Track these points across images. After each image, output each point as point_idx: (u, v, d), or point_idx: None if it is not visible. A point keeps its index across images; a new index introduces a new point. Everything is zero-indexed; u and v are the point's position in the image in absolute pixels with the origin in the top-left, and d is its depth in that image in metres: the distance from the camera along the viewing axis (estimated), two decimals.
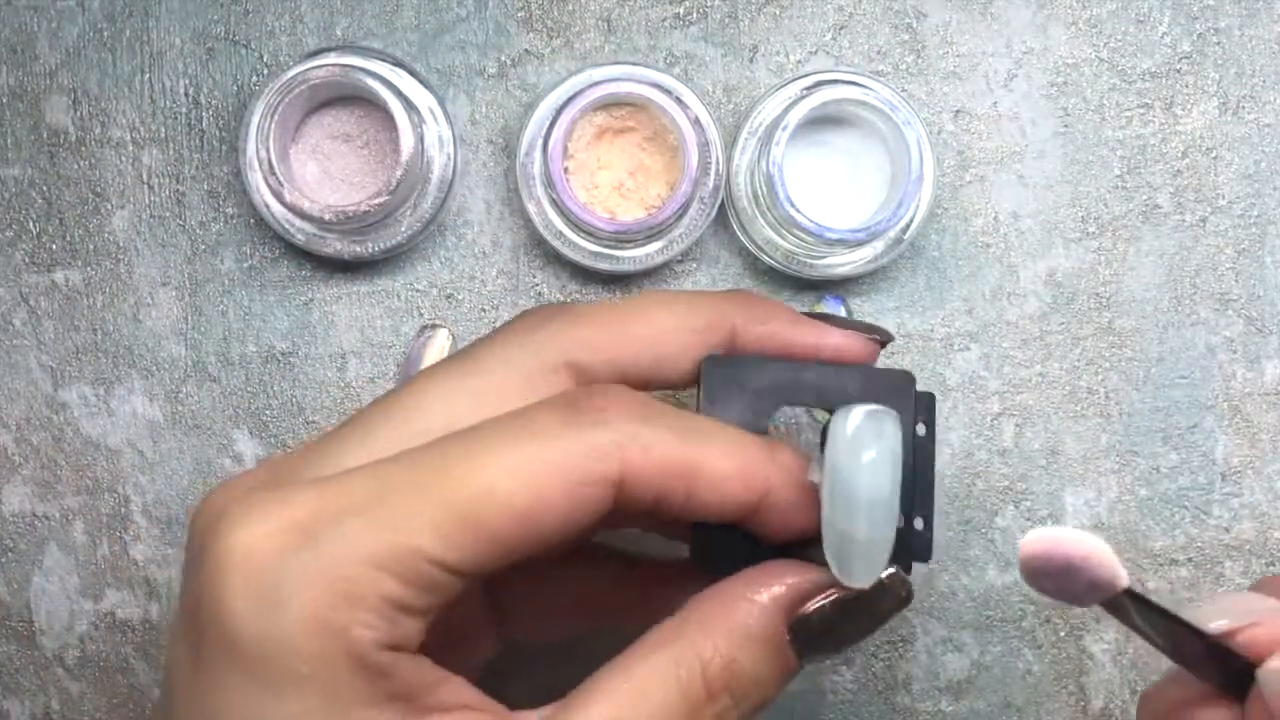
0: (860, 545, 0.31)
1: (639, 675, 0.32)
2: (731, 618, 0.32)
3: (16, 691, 0.47)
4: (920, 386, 0.36)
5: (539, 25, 0.46)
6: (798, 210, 0.43)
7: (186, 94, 0.46)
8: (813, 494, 0.33)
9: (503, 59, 0.46)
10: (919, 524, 0.35)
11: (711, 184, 0.45)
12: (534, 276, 0.47)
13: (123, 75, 0.46)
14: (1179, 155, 0.47)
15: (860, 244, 0.44)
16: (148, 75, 0.46)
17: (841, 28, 0.47)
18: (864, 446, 0.31)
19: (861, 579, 0.32)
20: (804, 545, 0.34)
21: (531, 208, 0.45)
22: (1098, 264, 0.47)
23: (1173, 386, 0.47)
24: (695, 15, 0.46)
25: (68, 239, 0.46)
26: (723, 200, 0.45)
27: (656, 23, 0.46)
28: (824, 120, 0.45)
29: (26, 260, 0.46)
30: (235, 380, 0.47)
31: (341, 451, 0.33)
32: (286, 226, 0.45)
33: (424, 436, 0.32)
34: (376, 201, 0.43)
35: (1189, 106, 0.47)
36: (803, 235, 0.43)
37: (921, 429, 0.36)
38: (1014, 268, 0.47)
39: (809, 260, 0.45)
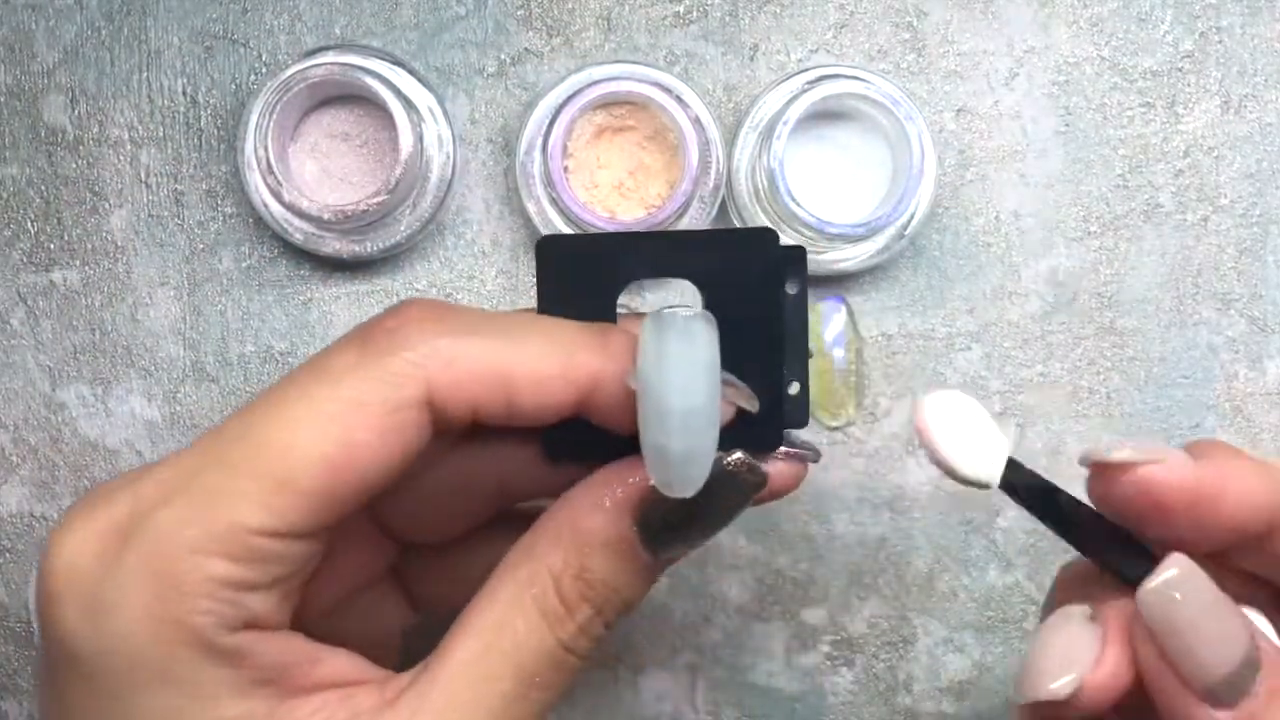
0: (675, 456, 0.29)
1: (499, 604, 0.31)
2: (578, 527, 0.31)
3: (14, 692, 0.47)
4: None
5: (538, 24, 0.46)
6: (799, 205, 0.43)
7: (185, 93, 0.46)
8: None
9: (502, 57, 0.46)
10: (794, 388, 0.33)
11: (712, 183, 0.44)
12: (533, 276, 0.46)
13: (121, 74, 0.46)
14: (1181, 154, 0.47)
15: (861, 239, 0.44)
16: (146, 74, 0.46)
17: (842, 26, 0.46)
18: (671, 357, 0.29)
19: (681, 489, 0.30)
20: None
21: (531, 207, 0.45)
22: (1099, 263, 0.46)
23: (1174, 386, 0.47)
24: (695, 14, 0.46)
25: (66, 238, 0.46)
26: (723, 199, 0.45)
27: (656, 21, 0.46)
28: (825, 115, 0.45)
29: (24, 260, 0.46)
30: (234, 380, 0.46)
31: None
32: (285, 226, 0.45)
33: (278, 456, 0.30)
34: (375, 201, 0.43)
35: (1191, 105, 0.47)
36: (804, 230, 0.43)
37: (794, 287, 0.33)
38: (1015, 267, 0.46)
39: (810, 255, 0.45)
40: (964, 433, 0.32)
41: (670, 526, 0.31)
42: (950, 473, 0.32)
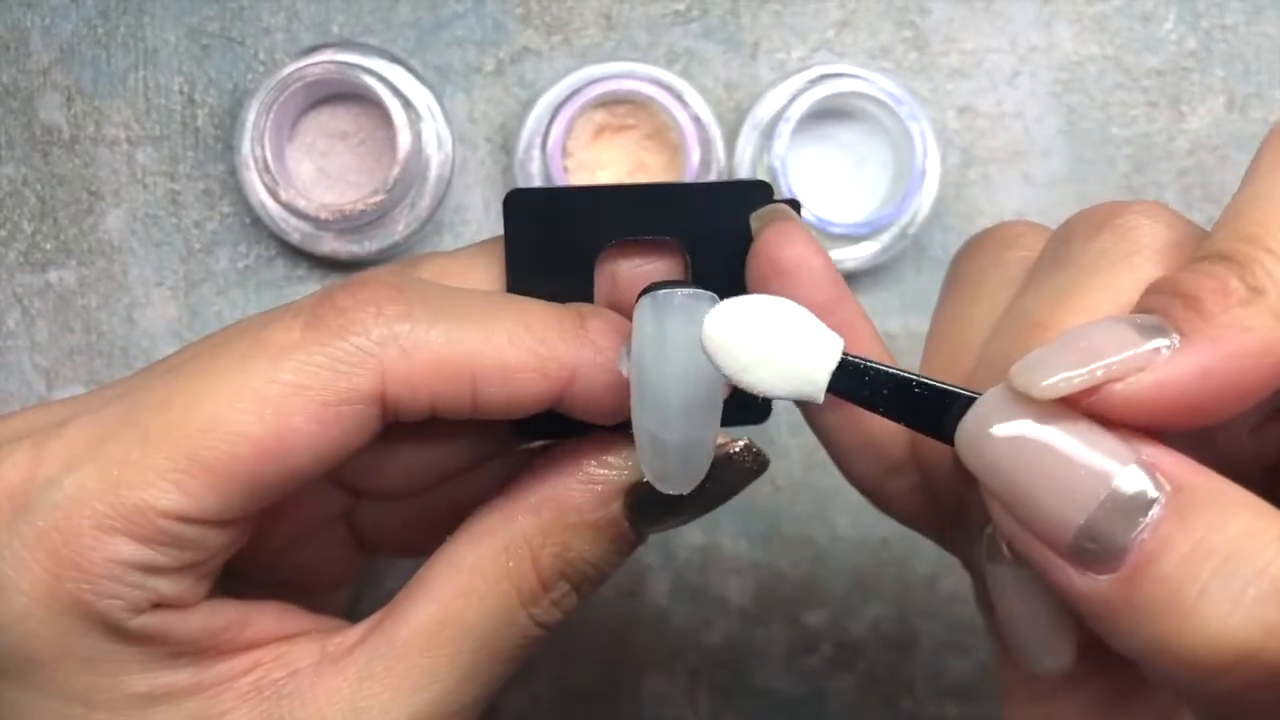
0: (673, 451, 0.27)
1: (468, 569, 0.28)
2: (563, 501, 0.29)
3: None
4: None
5: (538, 21, 0.46)
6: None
7: (181, 91, 0.46)
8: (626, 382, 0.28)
9: (501, 56, 0.46)
10: None
11: None
12: None
13: (117, 73, 0.46)
14: (1185, 153, 0.46)
15: (864, 238, 0.44)
16: (142, 73, 0.46)
17: (844, 24, 0.46)
18: (671, 343, 0.26)
19: (678, 486, 0.27)
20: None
21: None
22: None
23: None
24: (696, 11, 0.46)
25: (61, 238, 0.46)
26: None
27: (657, 19, 0.46)
28: (827, 113, 0.45)
29: (20, 260, 0.46)
30: None
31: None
32: (282, 225, 0.44)
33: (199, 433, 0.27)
34: (373, 200, 0.43)
35: (1195, 104, 0.46)
36: None
37: None
38: None
39: None
40: (768, 343, 0.25)
41: (665, 510, 0.29)
42: (755, 391, 0.25)
